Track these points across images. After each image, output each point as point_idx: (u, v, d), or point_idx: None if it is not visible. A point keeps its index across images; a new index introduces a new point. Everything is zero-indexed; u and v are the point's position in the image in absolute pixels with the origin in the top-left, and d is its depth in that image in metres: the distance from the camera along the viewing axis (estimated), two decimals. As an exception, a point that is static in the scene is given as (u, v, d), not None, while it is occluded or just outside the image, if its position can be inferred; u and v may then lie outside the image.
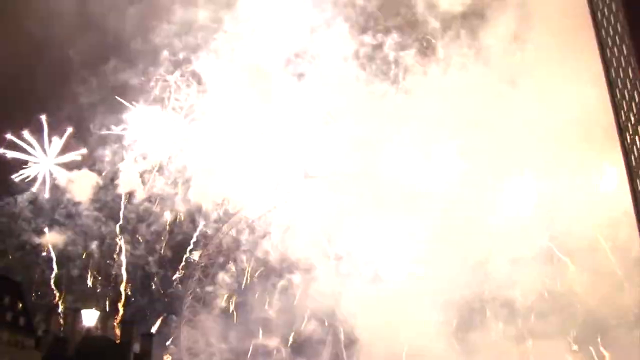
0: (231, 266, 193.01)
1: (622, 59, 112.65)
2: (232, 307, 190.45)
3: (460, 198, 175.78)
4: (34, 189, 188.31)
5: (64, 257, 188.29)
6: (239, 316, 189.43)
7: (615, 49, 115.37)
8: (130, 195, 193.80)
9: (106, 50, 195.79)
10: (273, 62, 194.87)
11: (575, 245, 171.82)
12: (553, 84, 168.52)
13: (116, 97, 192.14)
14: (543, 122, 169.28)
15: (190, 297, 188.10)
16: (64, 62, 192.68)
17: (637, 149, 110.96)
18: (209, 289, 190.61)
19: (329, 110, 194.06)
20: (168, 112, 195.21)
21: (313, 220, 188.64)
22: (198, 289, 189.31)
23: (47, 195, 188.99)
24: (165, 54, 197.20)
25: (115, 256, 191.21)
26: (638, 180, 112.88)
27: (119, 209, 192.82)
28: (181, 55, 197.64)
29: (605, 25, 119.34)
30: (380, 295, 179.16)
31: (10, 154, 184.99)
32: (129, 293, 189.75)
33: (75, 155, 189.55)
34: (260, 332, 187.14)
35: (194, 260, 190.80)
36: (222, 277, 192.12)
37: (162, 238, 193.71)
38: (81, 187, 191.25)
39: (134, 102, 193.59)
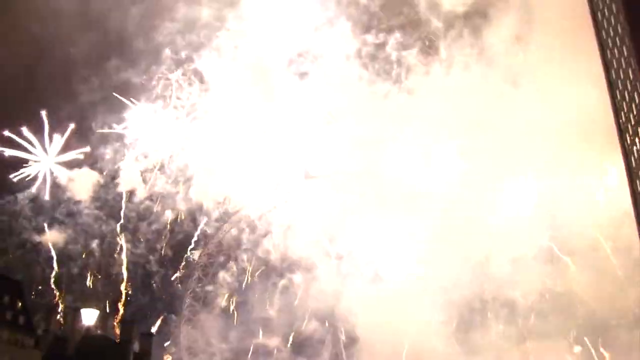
0: (232, 265, 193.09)
1: (622, 60, 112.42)
2: (232, 307, 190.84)
3: (461, 198, 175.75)
4: (34, 188, 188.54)
5: (64, 255, 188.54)
6: (239, 316, 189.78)
7: (616, 50, 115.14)
8: (131, 193, 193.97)
9: (108, 49, 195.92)
10: (275, 61, 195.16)
11: (576, 246, 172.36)
12: (555, 85, 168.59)
13: (118, 95, 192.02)
14: (544, 122, 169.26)
15: (190, 297, 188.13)
16: (66, 60, 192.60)
17: (637, 150, 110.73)
18: (210, 288, 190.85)
19: (331, 110, 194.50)
20: (170, 110, 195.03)
21: (314, 219, 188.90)
22: (198, 288, 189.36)
23: (47, 193, 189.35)
24: (167, 52, 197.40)
25: (115, 255, 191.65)
26: (638, 182, 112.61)
27: (120, 207, 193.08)
28: (183, 54, 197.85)
29: (605, 26, 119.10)
30: (380, 294, 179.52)
31: (11, 153, 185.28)
32: (130, 292, 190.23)
33: (76, 154, 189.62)
34: (261, 331, 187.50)
35: (194, 259, 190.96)
36: (223, 276, 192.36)
37: (163, 237, 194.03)
38: (82, 185, 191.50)
39: (135, 101, 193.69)
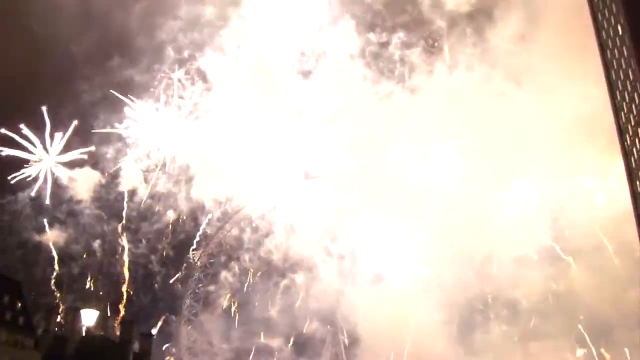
0: (234, 265, 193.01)
1: (622, 60, 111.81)
2: (234, 307, 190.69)
3: (463, 198, 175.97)
4: (35, 188, 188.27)
5: (65, 255, 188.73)
6: (241, 316, 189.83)
7: (616, 51, 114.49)
8: (132, 193, 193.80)
9: (110, 48, 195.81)
10: (279, 60, 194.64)
11: (579, 246, 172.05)
12: (557, 85, 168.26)
13: (119, 94, 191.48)
14: (546, 122, 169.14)
15: (191, 297, 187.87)
16: (67, 59, 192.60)
17: (637, 151, 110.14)
18: (211, 288, 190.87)
19: (334, 109, 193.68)
20: (172, 109, 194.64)
21: (316, 219, 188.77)
22: (200, 289, 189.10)
23: (48, 193, 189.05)
24: (170, 51, 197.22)
25: (117, 255, 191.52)
26: (638, 182, 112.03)
27: (121, 207, 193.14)
28: (186, 53, 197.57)
29: (605, 26, 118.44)
30: (382, 294, 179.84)
31: (12, 152, 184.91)
32: (131, 292, 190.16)
33: (79, 154, 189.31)
34: (263, 331, 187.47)
35: (195, 259, 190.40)
36: (225, 276, 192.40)
37: (164, 237, 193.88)
38: (83, 185, 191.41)
39: (137, 100, 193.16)
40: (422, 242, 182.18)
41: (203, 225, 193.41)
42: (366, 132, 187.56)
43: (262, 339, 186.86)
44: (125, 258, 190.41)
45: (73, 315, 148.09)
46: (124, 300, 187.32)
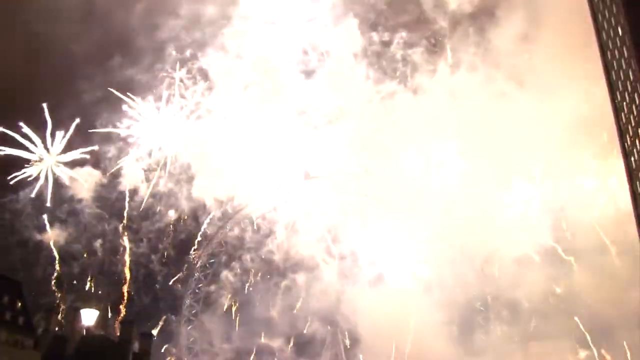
0: (235, 265, 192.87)
1: (622, 61, 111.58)
2: (235, 307, 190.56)
3: (464, 198, 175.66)
4: (36, 188, 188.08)
5: (66, 254, 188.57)
6: (242, 316, 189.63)
7: (616, 52, 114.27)
8: (134, 193, 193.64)
9: (111, 47, 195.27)
10: (280, 59, 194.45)
11: (580, 246, 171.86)
12: (558, 85, 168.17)
13: (121, 93, 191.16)
14: (548, 122, 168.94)
15: (191, 297, 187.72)
16: (68, 58, 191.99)
17: (637, 151, 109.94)
18: (212, 288, 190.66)
19: (335, 109, 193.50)
20: (173, 109, 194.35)
21: (317, 219, 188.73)
22: (200, 289, 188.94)
23: (49, 193, 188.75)
24: (171, 50, 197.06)
25: (118, 254, 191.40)
26: (638, 183, 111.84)
27: (122, 206, 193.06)
28: (188, 52, 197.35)
29: (605, 27, 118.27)
30: (383, 295, 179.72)
31: (13, 152, 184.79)
32: (131, 292, 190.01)
33: (79, 154, 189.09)
34: (263, 332, 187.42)
35: (196, 259, 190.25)
36: (226, 276, 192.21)
37: (166, 236, 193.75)
38: (84, 184, 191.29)
39: (139, 99, 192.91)
40: (423, 242, 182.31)
41: (204, 225, 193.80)
42: (368, 132, 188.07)
43: (262, 339, 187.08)
44: (127, 258, 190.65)
45: (73, 315, 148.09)
46: (125, 300, 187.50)
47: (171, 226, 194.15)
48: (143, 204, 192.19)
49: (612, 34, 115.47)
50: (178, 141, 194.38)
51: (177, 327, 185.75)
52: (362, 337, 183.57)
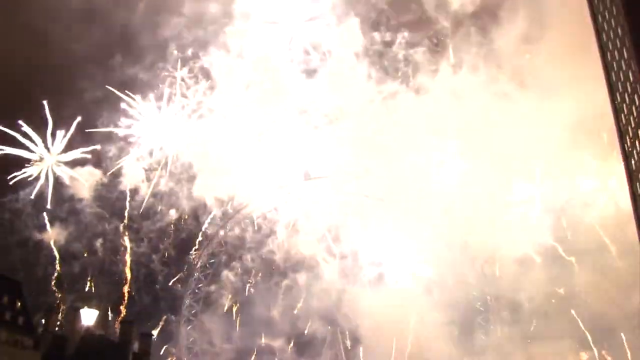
0: (235, 265, 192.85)
1: (622, 62, 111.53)
2: (236, 307, 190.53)
3: (465, 198, 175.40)
4: (36, 188, 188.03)
5: (66, 254, 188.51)
6: (242, 316, 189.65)
7: (616, 53, 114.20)
8: (134, 192, 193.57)
9: (113, 46, 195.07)
10: (282, 59, 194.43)
11: (581, 247, 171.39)
12: (560, 86, 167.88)
13: (122, 92, 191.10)
14: (550, 123, 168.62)
15: (194, 297, 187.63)
16: (70, 57, 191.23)
17: (637, 153, 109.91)
18: (213, 288, 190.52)
19: (336, 109, 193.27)
20: (175, 108, 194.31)
21: (318, 219, 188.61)
22: (201, 289, 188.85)
23: (50, 194, 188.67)
24: (173, 49, 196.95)
25: (118, 254, 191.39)
26: (638, 184, 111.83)
27: (123, 206, 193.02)
28: (190, 51, 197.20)
29: (605, 28, 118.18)
30: (383, 295, 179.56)
31: (14, 152, 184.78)
32: (132, 292, 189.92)
33: (80, 153, 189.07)
34: (264, 332, 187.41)
35: (196, 259, 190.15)
36: (227, 275, 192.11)
37: (166, 236, 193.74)
38: (85, 184, 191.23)
39: (140, 98, 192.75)
40: (424, 242, 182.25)
41: (205, 225, 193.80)
42: (369, 132, 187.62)
43: (263, 339, 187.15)
44: (127, 257, 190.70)
45: (73, 315, 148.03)
46: (125, 300, 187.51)
47: (172, 226, 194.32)
48: (144, 204, 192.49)
49: (612, 35, 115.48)
50: (179, 140, 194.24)
51: (177, 327, 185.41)
52: (363, 336, 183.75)
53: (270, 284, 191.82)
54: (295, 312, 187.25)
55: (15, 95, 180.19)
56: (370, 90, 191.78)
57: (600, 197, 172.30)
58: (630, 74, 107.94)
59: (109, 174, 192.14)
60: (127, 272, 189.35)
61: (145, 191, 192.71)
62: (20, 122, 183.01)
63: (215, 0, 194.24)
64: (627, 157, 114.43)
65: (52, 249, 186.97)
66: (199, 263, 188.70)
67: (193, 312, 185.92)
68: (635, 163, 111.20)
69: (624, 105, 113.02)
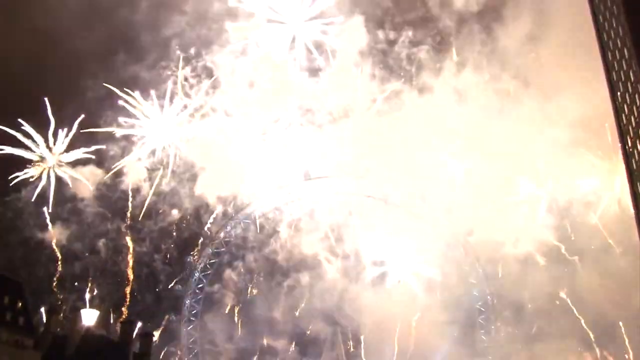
0: (238, 265, 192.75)
1: (623, 62, 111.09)
2: (238, 307, 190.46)
3: (468, 198, 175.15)
4: (38, 189, 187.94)
5: (67, 254, 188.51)
6: (244, 316, 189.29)
7: (617, 52, 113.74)
8: (136, 192, 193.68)
9: (115, 44, 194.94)
10: (285, 57, 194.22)
11: (584, 247, 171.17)
12: (564, 85, 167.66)
13: (125, 91, 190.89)
14: (553, 122, 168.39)
15: (196, 296, 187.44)
16: (72, 55, 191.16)
17: (638, 153, 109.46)
18: (215, 288, 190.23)
19: (339, 108, 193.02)
20: (177, 107, 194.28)
21: (320, 218, 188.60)
22: (204, 288, 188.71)
23: (52, 192, 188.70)
24: (176, 48, 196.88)
25: (120, 254, 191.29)
26: (639, 184, 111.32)
27: (125, 205, 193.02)
28: (192, 50, 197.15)
29: (606, 27, 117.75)
30: (386, 294, 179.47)
31: (15, 152, 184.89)
32: (134, 292, 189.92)
33: (82, 153, 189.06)
34: (267, 332, 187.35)
35: (198, 259, 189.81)
36: (229, 275, 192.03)
37: (168, 236, 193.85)
38: (87, 183, 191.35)
39: (143, 97, 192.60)
40: (427, 242, 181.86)
41: (208, 225, 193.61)
42: (372, 130, 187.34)
43: (265, 339, 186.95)
44: (129, 257, 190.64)
45: (73, 315, 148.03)
46: (127, 300, 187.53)
47: (174, 226, 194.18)
48: (146, 203, 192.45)
49: (612, 35, 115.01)
50: (181, 139, 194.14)
51: (180, 327, 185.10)
52: (365, 336, 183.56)
53: (273, 284, 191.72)
54: (298, 312, 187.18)
55: (16, 94, 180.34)
56: (373, 89, 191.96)
57: (604, 197, 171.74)
58: (631, 74, 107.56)
59: (110, 173, 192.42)
60: (129, 272, 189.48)
61: (147, 191, 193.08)
62: (21, 121, 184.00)
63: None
64: (628, 157, 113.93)
65: (53, 248, 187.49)
66: (200, 263, 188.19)
67: (194, 312, 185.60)
68: (636, 163, 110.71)
69: (625, 104, 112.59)
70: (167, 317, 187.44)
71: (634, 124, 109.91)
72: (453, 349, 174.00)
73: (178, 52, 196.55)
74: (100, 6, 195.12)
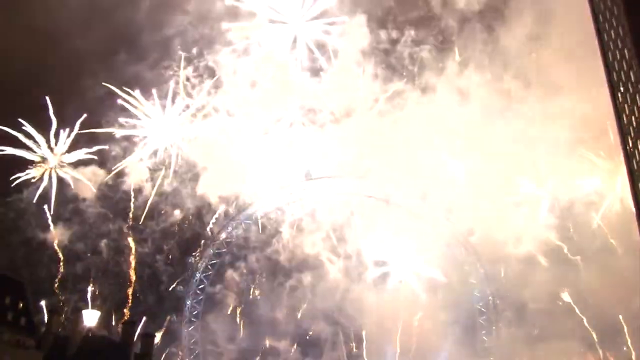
0: (240, 265, 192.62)
1: (624, 62, 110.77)
2: (240, 308, 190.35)
3: (470, 198, 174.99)
4: (40, 188, 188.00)
5: (69, 254, 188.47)
6: (247, 316, 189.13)
7: (617, 52, 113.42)
8: (138, 192, 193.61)
9: (117, 44, 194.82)
10: (287, 57, 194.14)
11: (586, 246, 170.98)
12: (565, 85, 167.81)
13: (126, 91, 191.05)
14: (555, 122, 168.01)
15: (197, 297, 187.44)
16: (73, 55, 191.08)
17: (639, 153, 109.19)
18: (217, 288, 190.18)
19: (341, 107, 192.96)
20: (179, 107, 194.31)
21: (322, 219, 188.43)
22: (205, 289, 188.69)
23: (53, 192, 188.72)
24: (178, 47, 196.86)
25: (122, 255, 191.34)
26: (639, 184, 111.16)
27: (127, 206, 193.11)
28: (194, 50, 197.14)
29: (607, 28, 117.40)
30: (388, 295, 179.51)
31: (17, 152, 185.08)
32: (136, 292, 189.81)
33: (84, 154, 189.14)
34: (269, 332, 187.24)
35: (199, 259, 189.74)
36: (232, 276, 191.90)
37: (170, 236, 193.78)
38: (88, 184, 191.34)
39: (144, 97, 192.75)
40: (429, 242, 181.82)
41: (210, 225, 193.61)
42: (374, 130, 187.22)
43: (267, 340, 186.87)
44: (131, 257, 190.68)
45: (75, 315, 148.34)
46: (129, 301, 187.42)
47: (176, 226, 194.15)
48: (148, 204, 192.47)
49: (612, 35, 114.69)
50: (183, 139, 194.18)
51: (179, 328, 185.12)
52: (367, 337, 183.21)
53: (275, 284, 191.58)
54: (300, 312, 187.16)
55: (18, 94, 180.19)
56: (376, 88, 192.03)
57: (606, 197, 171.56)
58: (632, 74, 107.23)
59: (112, 173, 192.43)
60: (132, 273, 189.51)
61: (149, 191, 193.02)
62: (22, 121, 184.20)
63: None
64: (628, 157, 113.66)
65: (55, 249, 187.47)
66: (201, 264, 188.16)
67: (195, 313, 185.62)
68: (636, 163, 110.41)
69: (626, 105, 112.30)
70: (168, 318, 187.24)
71: (634, 124, 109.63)
72: (455, 350, 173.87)
73: (180, 51, 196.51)
74: (102, 6, 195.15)
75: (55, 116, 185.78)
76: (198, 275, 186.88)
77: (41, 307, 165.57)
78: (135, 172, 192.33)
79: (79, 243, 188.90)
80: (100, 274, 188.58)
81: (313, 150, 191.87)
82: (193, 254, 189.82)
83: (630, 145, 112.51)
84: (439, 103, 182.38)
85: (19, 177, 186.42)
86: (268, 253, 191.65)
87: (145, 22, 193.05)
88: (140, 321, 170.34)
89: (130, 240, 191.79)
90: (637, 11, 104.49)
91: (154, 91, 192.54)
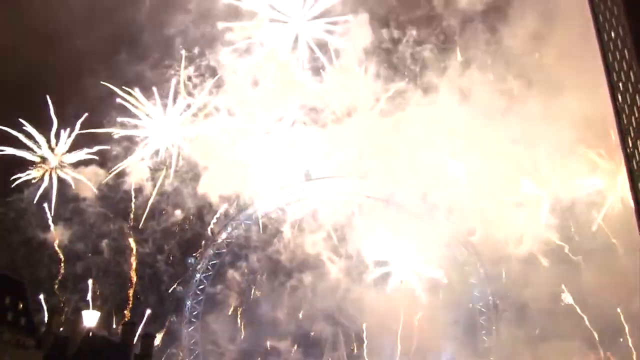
0: (241, 265, 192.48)
1: (623, 62, 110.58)
2: (241, 307, 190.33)
3: (471, 198, 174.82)
4: (41, 188, 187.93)
5: (69, 255, 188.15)
6: (248, 316, 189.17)
7: (617, 53, 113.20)
8: (139, 192, 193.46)
9: (118, 43, 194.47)
10: (289, 56, 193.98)
11: (588, 246, 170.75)
12: (567, 85, 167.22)
13: (127, 91, 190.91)
14: (557, 121, 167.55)
15: (197, 297, 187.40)
16: (74, 54, 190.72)
17: (639, 153, 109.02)
18: (218, 288, 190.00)
19: (343, 107, 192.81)
20: (180, 106, 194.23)
21: (323, 219, 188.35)
22: (205, 289, 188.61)
23: (54, 193, 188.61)
24: (179, 47, 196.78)
25: (123, 255, 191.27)
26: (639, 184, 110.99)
27: (127, 206, 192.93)
28: (196, 50, 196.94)
29: (607, 28, 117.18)
30: (388, 295, 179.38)
31: (17, 153, 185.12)
32: (136, 293, 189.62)
33: (85, 154, 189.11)
34: (270, 332, 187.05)
35: (199, 259, 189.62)
36: (232, 276, 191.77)
37: (171, 236, 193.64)
38: (89, 184, 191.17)
39: (146, 97, 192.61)
40: (429, 242, 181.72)
41: (211, 225, 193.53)
42: (376, 130, 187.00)
43: (268, 340, 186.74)
44: (132, 257, 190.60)
45: (75, 316, 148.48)
46: (130, 301, 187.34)
47: (177, 226, 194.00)
48: (149, 204, 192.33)
49: (612, 35, 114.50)
50: (185, 139, 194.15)
51: (182, 328, 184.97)
52: (368, 337, 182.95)
53: (276, 284, 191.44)
54: (300, 312, 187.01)
55: (18, 94, 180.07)
56: (377, 88, 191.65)
57: (608, 197, 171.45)
58: (632, 74, 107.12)
59: (113, 173, 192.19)
60: (132, 274, 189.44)
61: (150, 191, 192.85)
62: (22, 121, 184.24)
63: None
64: (628, 157, 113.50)
65: (55, 249, 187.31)
66: (202, 265, 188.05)
67: (195, 313, 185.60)
68: (636, 163, 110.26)
69: (626, 105, 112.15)
70: (169, 318, 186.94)
71: (634, 124, 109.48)
72: (456, 350, 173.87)
73: (181, 51, 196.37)
74: (103, 5, 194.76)
75: (55, 116, 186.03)
76: (198, 275, 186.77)
77: (41, 307, 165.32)
78: (136, 171, 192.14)
79: (79, 243, 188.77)
80: (101, 274, 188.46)
81: (314, 150, 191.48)
82: (193, 254, 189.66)
83: (630, 145, 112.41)
84: (440, 103, 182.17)
85: (20, 178, 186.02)
86: (269, 253, 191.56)
87: (146, 21, 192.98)
88: (141, 321, 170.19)
89: (131, 240, 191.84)
90: (637, 11, 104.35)
91: (155, 91, 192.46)
